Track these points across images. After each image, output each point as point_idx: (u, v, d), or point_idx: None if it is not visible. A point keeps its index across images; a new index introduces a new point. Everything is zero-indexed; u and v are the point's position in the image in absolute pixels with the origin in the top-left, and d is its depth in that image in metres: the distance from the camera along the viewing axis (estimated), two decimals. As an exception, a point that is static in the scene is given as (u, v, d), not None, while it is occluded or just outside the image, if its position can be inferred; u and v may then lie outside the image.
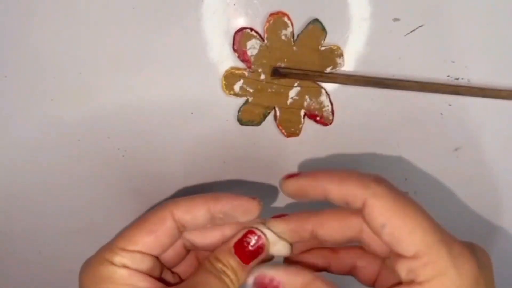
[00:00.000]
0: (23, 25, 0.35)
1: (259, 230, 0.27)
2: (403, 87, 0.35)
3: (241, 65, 0.35)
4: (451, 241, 0.24)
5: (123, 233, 0.27)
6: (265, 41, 0.35)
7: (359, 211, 0.25)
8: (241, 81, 0.35)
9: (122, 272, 0.26)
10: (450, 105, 0.36)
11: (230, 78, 0.35)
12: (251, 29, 0.34)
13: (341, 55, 0.35)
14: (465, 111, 0.36)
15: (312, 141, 0.36)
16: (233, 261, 0.26)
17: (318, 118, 0.36)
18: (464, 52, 0.35)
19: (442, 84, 0.35)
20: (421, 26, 0.35)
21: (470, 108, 0.36)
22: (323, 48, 0.35)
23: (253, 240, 0.27)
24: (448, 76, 0.35)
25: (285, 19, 0.34)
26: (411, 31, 0.35)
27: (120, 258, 0.26)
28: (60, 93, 0.36)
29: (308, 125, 0.36)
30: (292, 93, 0.35)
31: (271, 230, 0.28)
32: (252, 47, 0.34)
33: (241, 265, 0.26)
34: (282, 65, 0.35)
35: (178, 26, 0.35)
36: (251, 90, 0.35)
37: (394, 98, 0.36)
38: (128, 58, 0.36)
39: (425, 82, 0.35)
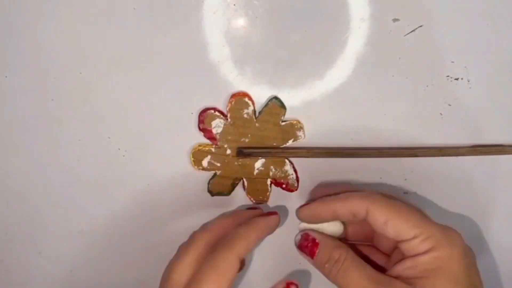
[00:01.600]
0: (24, 26, 0.35)
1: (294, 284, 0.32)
2: (362, 155, 0.36)
3: (208, 141, 0.37)
4: (437, 224, 0.30)
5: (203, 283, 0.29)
6: (229, 120, 0.36)
7: (364, 221, 0.31)
8: (209, 157, 0.37)
9: None
10: (450, 105, 0.36)
11: (198, 154, 0.37)
12: (215, 110, 0.36)
13: (301, 128, 0.36)
14: (465, 111, 0.36)
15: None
16: None
17: (284, 186, 0.37)
18: (464, 52, 0.35)
19: (401, 148, 0.36)
20: (421, 26, 0.35)
21: (470, 108, 0.36)
22: (283, 123, 0.36)
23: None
24: (448, 76, 0.35)
25: (246, 99, 0.36)
26: (411, 31, 0.35)
27: None
28: (60, 93, 0.36)
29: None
30: (258, 164, 0.37)
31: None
32: (217, 125, 0.36)
33: None
34: (247, 140, 0.36)
35: (179, 27, 0.35)
36: (218, 164, 0.37)
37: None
38: (129, 58, 0.36)
39: (383, 148, 0.36)
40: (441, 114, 0.36)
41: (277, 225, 0.34)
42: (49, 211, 0.38)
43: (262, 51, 0.35)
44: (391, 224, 0.30)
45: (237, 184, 0.37)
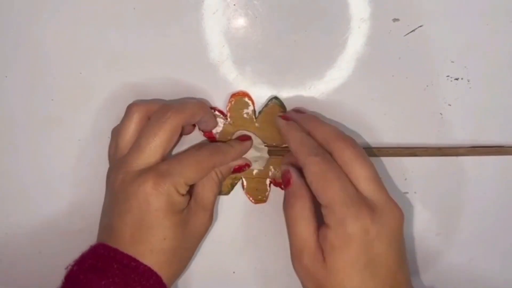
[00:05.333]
0: (24, 26, 0.35)
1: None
2: None
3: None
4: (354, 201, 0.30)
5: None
6: (229, 119, 0.36)
7: None
8: None
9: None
10: (449, 105, 0.36)
11: None
12: (214, 109, 0.36)
13: None
14: (465, 111, 0.36)
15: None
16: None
17: (283, 186, 0.36)
18: (464, 52, 0.35)
19: (401, 148, 0.36)
20: (420, 26, 0.35)
21: (470, 108, 0.36)
22: None
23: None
24: (448, 76, 0.35)
25: (246, 99, 0.36)
26: (411, 31, 0.35)
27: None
28: (60, 93, 0.36)
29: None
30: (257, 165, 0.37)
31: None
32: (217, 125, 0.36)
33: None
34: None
35: (179, 27, 0.35)
36: None
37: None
38: (129, 58, 0.36)
39: (383, 148, 0.36)
40: (441, 114, 0.36)
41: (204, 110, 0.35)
42: (49, 211, 0.38)
43: (262, 51, 0.35)
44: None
45: (236, 183, 0.37)
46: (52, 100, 0.36)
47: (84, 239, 0.38)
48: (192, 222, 0.33)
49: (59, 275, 0.32)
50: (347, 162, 0.31)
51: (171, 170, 0.32)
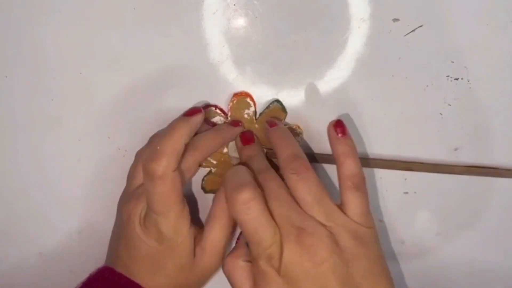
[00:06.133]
0: (24, 26, 0.35)
1: None
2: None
3: None
4: None
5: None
6: (229, 118, 0.36)
7: None
8: None
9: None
10: (449, 105, 0.36)
11: None
12: (216, 107, 0.36)
13: (300, 133, 0.36)
14: (465, 111, 0.36)
15: None
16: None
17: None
18: (464, 52, 0.35)
19: (396, 161, 0.36)
20: (420, 26, 0.35)
21: (469, 108, 0.36)
22: None
23: None
24: (448, 76, 0.35)
25: (248, 99, 0.36)
26: (411, 31, 0.35)
27: None
28: (60, 93, 0.36)
29: None
30: None
31: None
32: (217, 123, 0.36)
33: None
34: None
35: (179, 27, 0.35)
36: (214, 162, 0.37)
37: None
38: (129, 58, 0.36)
39: (378, 160, 0.36)
40: (441, 114, 0.36)
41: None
42: (49, 211, 0.38)
43: (262, 51, 0.35)
44: None
45: None
46: (52, 100, 0.36)
47: (84, 240, 0.38)
48: (200, 268, 0.34)
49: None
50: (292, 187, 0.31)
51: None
